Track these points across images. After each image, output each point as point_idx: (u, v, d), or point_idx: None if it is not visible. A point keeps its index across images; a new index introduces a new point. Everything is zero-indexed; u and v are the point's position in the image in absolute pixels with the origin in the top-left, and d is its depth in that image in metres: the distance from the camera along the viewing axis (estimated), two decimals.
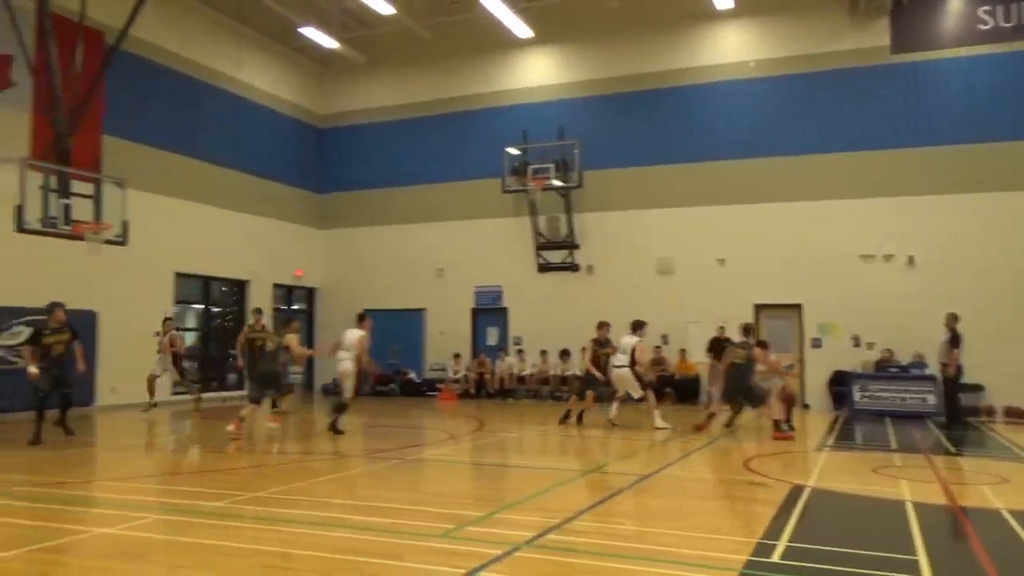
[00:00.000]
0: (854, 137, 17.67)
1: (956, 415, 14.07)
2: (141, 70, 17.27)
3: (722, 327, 16.59)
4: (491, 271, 20.76)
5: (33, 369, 10.45)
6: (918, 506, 6.82)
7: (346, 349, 12.13)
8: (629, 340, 13.22)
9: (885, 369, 16.41)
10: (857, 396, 16.12)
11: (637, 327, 13.43)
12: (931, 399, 15.47)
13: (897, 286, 16.93)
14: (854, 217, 17.43)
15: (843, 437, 12.60)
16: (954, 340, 13.74)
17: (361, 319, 12.72)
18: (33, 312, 14.12)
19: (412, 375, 21.03)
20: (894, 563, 5.03)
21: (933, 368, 15.48)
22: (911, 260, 16.98)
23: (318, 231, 22.84)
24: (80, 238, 13.50)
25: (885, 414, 15.47)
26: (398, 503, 6.75)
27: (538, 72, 20.91)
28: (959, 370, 13.83)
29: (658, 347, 18.43)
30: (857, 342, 17.35)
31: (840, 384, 16.91)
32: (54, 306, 11.31)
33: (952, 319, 13.87)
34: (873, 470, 8.88)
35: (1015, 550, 5.64)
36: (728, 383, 12.47)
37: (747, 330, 13.00)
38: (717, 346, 16.47)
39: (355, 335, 12.17)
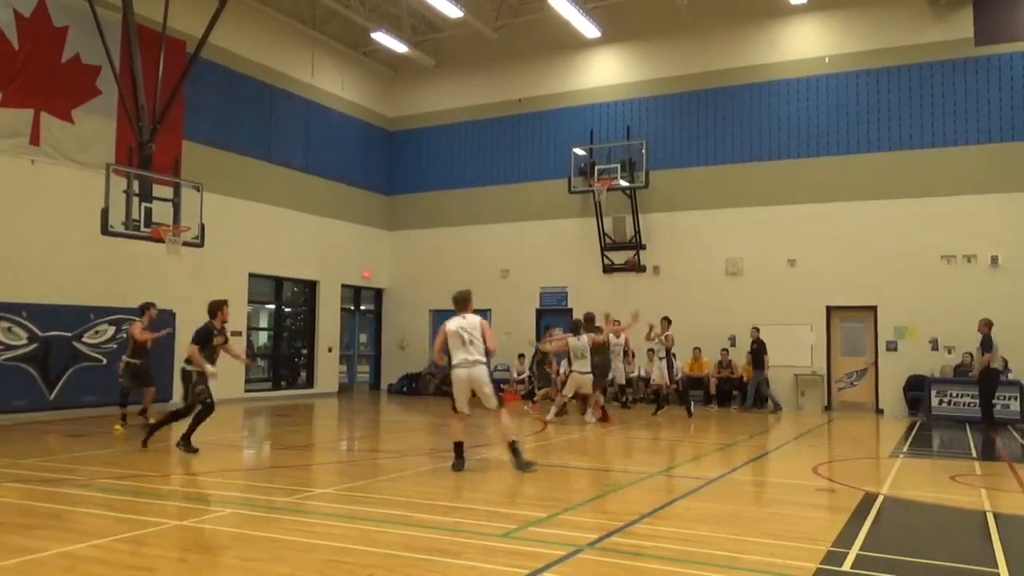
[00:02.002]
0: (933, 133, 17.07)
1: (987, 416, 14.11)
2: (218, 77, 17.86)
3: (755, 329, 16.72)
4: (556, 272, 20.75)
5: (211, 368, 9.86)
6: (999, 516, 6.55)
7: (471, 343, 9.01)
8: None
9: (965, 374, 15.79)
10: (935, 401, 15.55)
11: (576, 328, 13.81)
12: (1014, 405, 14.82)
13: (979, 288, 16.27)
14: (933, 216, 16.82)
15: (919, 444, 12.17)
16: (985, 344, 13.91)
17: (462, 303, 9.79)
18: (118, 312, 14.77)
19: None
20: (972, 575, 4.85)
21: (1017, 374, 14.84)
22: (994, 260, 16.30)
23: (386, 232, 23.20)
24: (160, 240, 14.05)
25: (965, 420, 14.89)
26: (461, 502, 6.81)
27: (605, 72, 20.81)
28: (989, 373, 13.99)
29: (725, 350, 18.14)
30: (935, 346, 16.74)
31: (916, 389, 16.34)
32: (220, 304, 10.42)
33: (985, 324, 14.06)
34: (951, 478, 8.56)
35: None
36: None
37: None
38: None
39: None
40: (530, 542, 5.44)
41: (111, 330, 14.82)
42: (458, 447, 8.79)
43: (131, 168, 14.09)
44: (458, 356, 8.79)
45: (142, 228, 13.86)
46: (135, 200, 13.80)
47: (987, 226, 16.39)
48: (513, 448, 8.59)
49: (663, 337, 15.61)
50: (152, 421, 10.68)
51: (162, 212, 14.29)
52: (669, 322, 15.72)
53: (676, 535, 5.79)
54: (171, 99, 14.93)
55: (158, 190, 14.37)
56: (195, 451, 9.60)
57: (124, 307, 14.71)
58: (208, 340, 9.96)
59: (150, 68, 14.67)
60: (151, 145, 14.47)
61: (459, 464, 8.62)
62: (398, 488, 7.69)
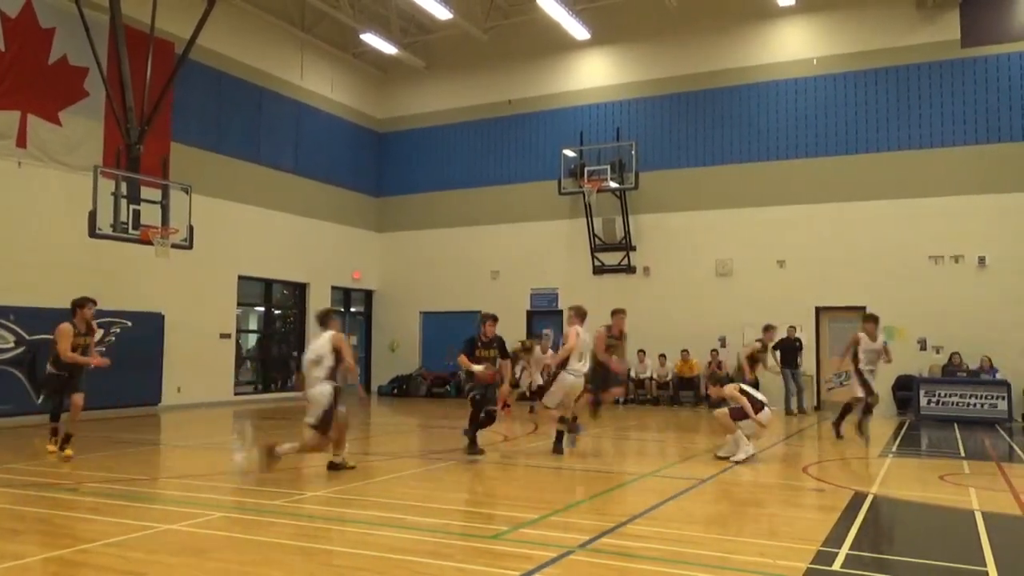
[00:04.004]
0: (922, 135, 17.18)
1: None
2: (207, 78, 17.80)
3: (792, 328, 16.48)
4: (546, 273, 20.76)
5: (478, 368, 9.69)
6: (988, 515, 6.58)
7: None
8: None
9: (953, 374, 15.88)
10: (924, 401, 15.63)
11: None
12: (1002, 405, 14.92)
13: (967, 288, 16.37)
14: (921, 217, 16.92)
15: (908, 443, 12.24)
16: None
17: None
18: (106, 315, 14.68)
19: None
20: (962, 574, 4.87)
21: (1004, 373, 14.93)
22: (982, 261, 16.40)
23: (376, 234, 23.16)
24: (148, 243, 13.99)
25: (953, 420, 14.97)
26: (452, 504, 6.80)
27: (595, 73, 20.84)
28: None
29: (715, 351, 18.19)
30: (923, 346, 16.84)
31: (905, 389, 16.43)
32: (488, 318, 10.24)
33: None
34: (940, 477, 8.60)
35: None
36: None
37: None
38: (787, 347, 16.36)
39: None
40: (521, 544, 5.44)
41: (99, 333, 14.70)
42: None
43: (119, 170, 14.01)
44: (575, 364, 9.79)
45: (130, 230, 13.79)
46: (123, 202, 13.73)
47: (974, 227, 16.49)
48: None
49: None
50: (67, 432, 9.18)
51: (150, 214, 14.23)
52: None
53: (667, 536, 5.80)
54: (159, 101, 14.86)
55: (146, 192, 14.31)
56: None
57: (113, 310, 14.64)
58: (472, 351, 10.16)
59: (138, 70, 14.60)
60: (139, 147, 14.40)
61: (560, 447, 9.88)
62: (389, 490, 7.67)
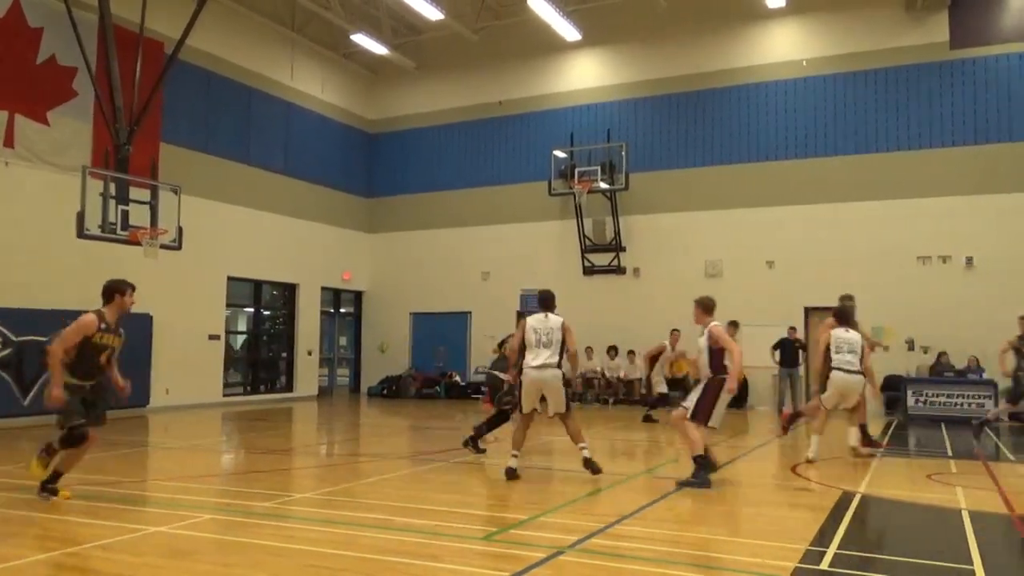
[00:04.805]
0: (911, 136, 17.29)
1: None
2: (197, 79, 17.73)
3: (792, 328, 16.57)
4: (537, 274, 20.71)
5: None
6: (975, 514, 6.63)
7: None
8: None
9: (940, 374, 15.98)
10: (911, 401, 15.72)
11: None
12: (989, 404, 15.01)
13: (954, 288, 16.48)
14: (910, 218, 17.01)
15: (896, 443, 12.31)
16: None
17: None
18: None
19: (457, 378, 21.16)
20: (949, 573, 4.90)
21: (991, 372, 15.02)
22: (969, 262, 16.51)
23: (366, 235, 23.12)
24: (137, 243, 13.92)
25: (940, 419, 15.06)
26: (441, 505, 6.80)
27: (585, 75, 20.87)
28: None
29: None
30: (911, 346, 16.94)
31: (893, 389, 16.51)
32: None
33: None
34: (927, 477, 8.65)
35: None
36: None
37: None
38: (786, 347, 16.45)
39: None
40: (510, 545, 5.44)
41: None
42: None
43: (108, 171, 13.94)
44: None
45: (119, 231, 13.72)
46: (112, 203, 13.66)
47: (962, 227, 16.60)
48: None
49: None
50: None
51: (139, 215, 14.15)
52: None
53: (656, 536, 5.82)
54: (149, 101, 14.79)
55: (135, 193, 14.24)
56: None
57: None
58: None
59: (127, 70, 14.53)
60: (128, 147, 14.33)
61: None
62: (378, 492, 7.66)
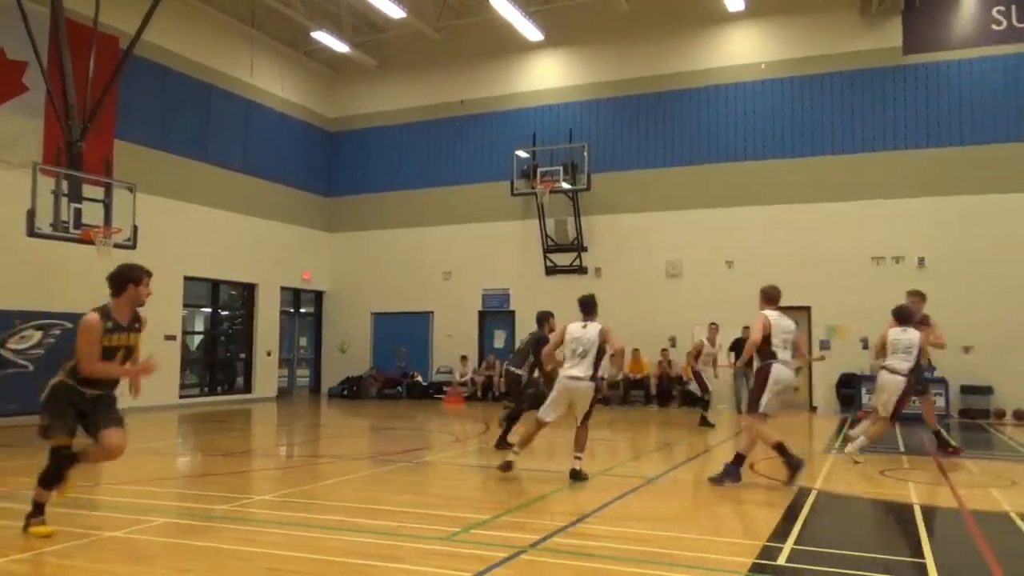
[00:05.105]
0: (865, 139, 17.65)
1: None
2: (153, 75, 17.41)
3: (747, 327, 16.74)
4: (499, 274, 20.78)
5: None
6: (926, 509, 6.79)
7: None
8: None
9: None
10: (866, 399, 16.01)
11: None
12: (939, 402, 15.37)
13: (907, 288, 16.76)
14: (864, 219, 17.37)
15: (851, 440, 12.50)
16: None
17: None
18: (45, 316, 14.26)
19: (419, 378, 21.08)
20: (902, 566, 5.02)
21: (941, 371, 15.40)
22: (921, 262, 16.91)
23: (326, 234, 22.91)
24: (90, 243, 13.61)
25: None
26: (403, 506, 6.77)
27: (548, 75, 20.93)
28: None
29: (665, 350, 18.41)
30: (866, 344, 17.25)
31: (848, 387, 16.84)
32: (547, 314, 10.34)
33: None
34: (880, 472, 8.84)
35: (1023, 553, 5.62)
36: None
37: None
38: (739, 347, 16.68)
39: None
40: (472, 545, 5.44)
41: (37, 335, 14.29)
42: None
43: (60, 168, 13.61)
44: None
45: (71, 230, 13.39)
46: (64, 201, 13.33)
47: (915, 228, 16.99)
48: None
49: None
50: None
51: (93, 214, 13.83)
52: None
53: (617, 534, 5.86)
54: (103, 97, 14.46)
55: (89, 191, 13.91)
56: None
57: (51, 311, 14.24)
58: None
59: (80, 65, 14.18)
60: (81, 144, 13.99)
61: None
62: (338, 493, 7.60)
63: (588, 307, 8.55)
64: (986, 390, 15.68)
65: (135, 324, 5.78)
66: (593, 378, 8.14)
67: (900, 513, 6.80)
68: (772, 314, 8.46)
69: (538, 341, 9.87)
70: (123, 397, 6.00)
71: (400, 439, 12.74)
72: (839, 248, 17.44)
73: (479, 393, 19.88)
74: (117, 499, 7.42)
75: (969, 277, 16.22)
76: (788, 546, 5.40)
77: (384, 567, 4.84)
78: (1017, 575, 5.02)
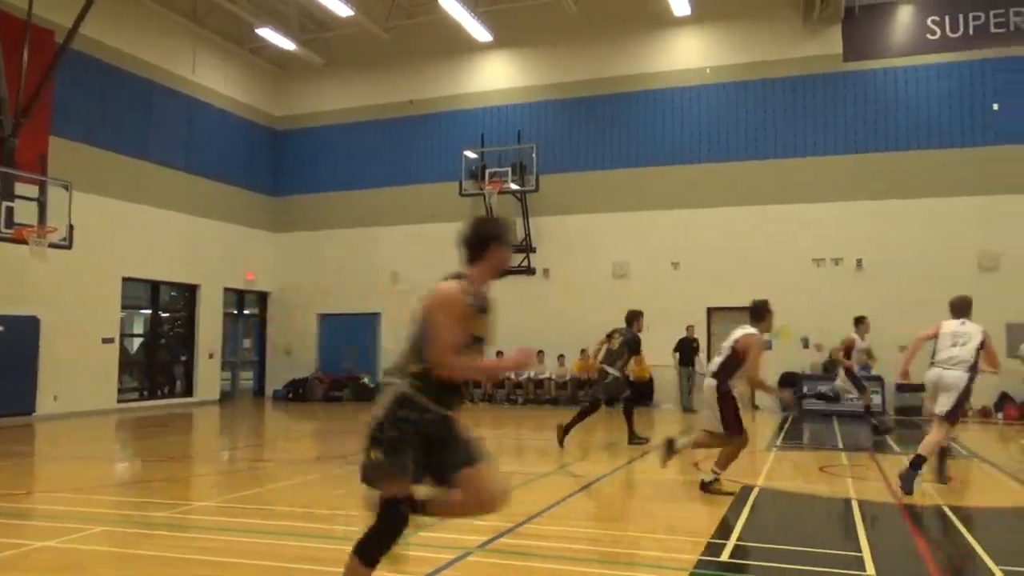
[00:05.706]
0: (807, 143, 18.08)
1: None
2: (91, 70, 16.89)
3: (691, 326, 17.17)
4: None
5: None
6: (863, 503, 6.98)
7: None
8: None
9: (832, 371, 16.73)
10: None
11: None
12: (876, 399, 15.81)
13: (845, 289, 17.30)
14: (806, 221, 17.78)
15: (791, 437, 12.84)
16: None
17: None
18: None
19: (366, 380, 20.86)
20: (840, 559, 5.14)
21: (878, 369, 15.85)
22: (859, 263, 17.38)
23: (271, 234, 22.55)
24: (23, 242, 13.18)
25: (832, 415, 15.79)
26: (351, 509, 6.68)
27: (496, 76, 20.94)
28: None
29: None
30: (806, 344, 17.70)
31: (789, 385, 17.20)
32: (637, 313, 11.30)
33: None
34: (820, 469, 9.06)
35: (954, 545, 5.81)
36: None
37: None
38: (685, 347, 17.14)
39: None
40: (419, 547, 5.39)
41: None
42: None
43: None
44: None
45: (3, 229, 12.96)
46: None
47: (853, 231, 17.46)
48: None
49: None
50: None
51: (26, 212, 13.39)
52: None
53: (564, 534, 5.89)
54: (37, 92, 14.02)
55: (22, 188, 13.46)
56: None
57: None
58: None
59: (13, 58, 13.73)
60: (14, 140, 13.55)
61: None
62: (283, 498, 7.49)
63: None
64: (921, 388, 16.13)
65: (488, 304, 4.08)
66: (715, 376, 7.61)
67: (839, 508, 6.98)
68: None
69: (633, 340, 10.93)
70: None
71: (348, 442, 12.59)
72: (781, 250, 17.82)
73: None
74: (52, 507, 7.18)
75: (905, 278, 16.71)
76: (731, 542, 5.50)
77: (327, 571, 4.78)
78: (948, 565, 5.20)
